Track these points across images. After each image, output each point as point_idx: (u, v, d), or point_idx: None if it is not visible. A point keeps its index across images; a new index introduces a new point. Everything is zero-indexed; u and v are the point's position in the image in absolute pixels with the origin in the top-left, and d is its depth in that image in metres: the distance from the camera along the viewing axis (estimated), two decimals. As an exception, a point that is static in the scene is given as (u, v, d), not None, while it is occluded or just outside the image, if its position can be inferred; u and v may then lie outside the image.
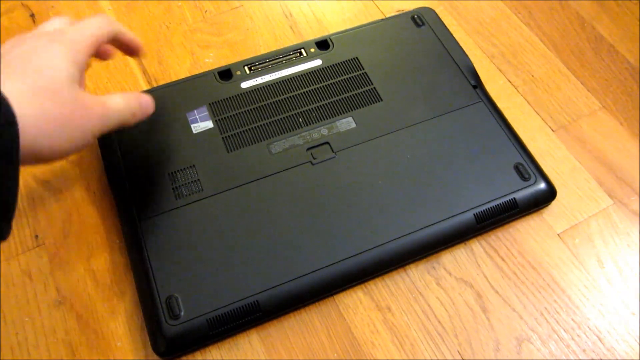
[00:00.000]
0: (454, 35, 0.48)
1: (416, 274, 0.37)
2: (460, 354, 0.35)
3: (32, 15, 0.51)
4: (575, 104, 0.45)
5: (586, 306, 0.36)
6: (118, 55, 0.50)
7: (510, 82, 0.46)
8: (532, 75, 0.46)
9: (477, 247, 0.38)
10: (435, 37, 0.46)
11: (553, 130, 0.43)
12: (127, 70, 0.47)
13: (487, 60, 0.47)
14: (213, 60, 0.48)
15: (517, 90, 0.45)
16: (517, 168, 0.39)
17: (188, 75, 0.46)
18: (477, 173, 0.38)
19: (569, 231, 0.39)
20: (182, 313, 0.33)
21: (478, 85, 0.43)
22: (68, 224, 0.40)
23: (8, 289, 0.37)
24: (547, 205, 0.39)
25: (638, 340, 0.35)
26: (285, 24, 0.50)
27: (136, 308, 0.36)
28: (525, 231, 0.39)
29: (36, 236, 0.39)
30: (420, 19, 0.47)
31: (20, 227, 0.40)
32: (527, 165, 0.39)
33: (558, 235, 0.39)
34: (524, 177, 0.38)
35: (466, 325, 0.35)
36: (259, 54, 0.48)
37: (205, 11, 0.51)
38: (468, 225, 0.37)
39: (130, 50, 0.37)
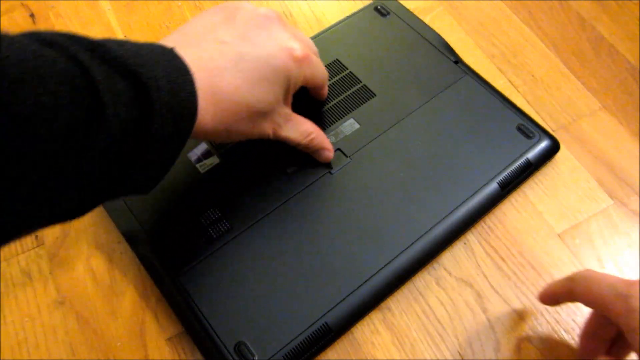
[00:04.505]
0: (454, 36, 0.48)
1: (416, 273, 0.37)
2: (460, 354, 0.35)
3: (32, 15, 0.50)
4: (575, 104, 0.45)
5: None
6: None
7: (510, 82, 0.46)
8: (532, 75, 0.46)
9: (477, 247, 0.38)
10: (403, 23, 0.46)
11: (553, 130, 0.43)
12: (127, 70, 0.47)
13: (487, 60, 0.47)
14: (213, 60, 0.47)
15: (517, 90, 0.45)
16: (520, 129, 0.40)
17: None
18: (486, 143, 0.39)
19: (569, 231, 0.39)
20: (256, 357, 0.32)
21: (458, 60, 0.44)
22: (68, 224, 0.40)
23: (8, 289, 0.37)
24: (553, 158, 0.41)
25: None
26: (285, 24, 0.50)
27: (136, 308, 0.36)
28: (525, 231, 0.39)
29: (36, 236, 0.39)
30: (383, 9, 0.47)
31: (20, 227, 0.40)
32: (528, 125, 0.40)
33: (558, 235, 0.39)
34: (528, 136, 0.40)
35: (466, 325, 0.35)
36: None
37: (205, 11, 0.51)
38: (494, 195, 0.38)
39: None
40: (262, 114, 0.32)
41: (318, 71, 0.35)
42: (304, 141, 0.36)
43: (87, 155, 0.23)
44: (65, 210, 0.25)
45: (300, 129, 0.35)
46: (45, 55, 0.22)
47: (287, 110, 0.34)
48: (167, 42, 0.29)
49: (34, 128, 0.21)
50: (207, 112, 0.28)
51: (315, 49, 0.37)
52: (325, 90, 0.40)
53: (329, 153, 0.38)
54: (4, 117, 0.20)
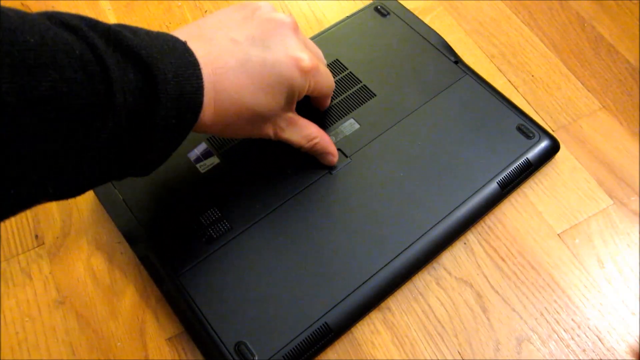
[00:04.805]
0: (454, 36, 0.48)
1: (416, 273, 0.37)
2: (460, 354, 0.35)
3: (32, 15, 0.50)
4: (575, 104, 0.45)
5: (586, 306, 0.36)
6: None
7: (510, 82, 0.46)
8: (532, 75, 0.46)
9: (477, 247, 0.38)
10: (403, 23, 0.46)
11: (553, 130, 0.43)
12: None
13: (487, 60, 0.47)
14: (213, 60, 0.47)
15: (517, 90, 0.45)
16: (520, 129, 0.40)
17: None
18: (486, 143, 0.39)
19: (569, 231, 0.39)
20: (256, 357, 0.32)
21: (458, 60, 0.44)
22: (68, 224, 0.40)
23: (8, 289, 0.37)
24: (553, 158, 0.41)
25: (638, 340, 0.35)
26: (285, 24, 0.50)
27: (136, 308, 0.36)
28: (525, 231, 0.39)
29: (36, 236, 0.39)
30: (384, 9, 0.47)
31: (20, 227, 0.40)
32: (528, 125, 0.40)
33: (558, 235, 0.39)
34: (528, 136, 0.40)
35: (466, 325, 0.35)
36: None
37: (205, 11, 0.51)
38: (494, 195, 0.38)
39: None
40: (262, 117, 0.32)
41: (324, 82, 0.35)
42: (307, 145, 0.36)
43: (92, 139, 0.24)
44: (62, 191, 0.25)
45: (304, 133, 0.35)
46: (64, 40, 0.22)
47: (291, 114, 0.34)
48: (182, 33, 0.29)
49: (46, 113, 0.21)
50: (208, 107, 0.28)
51: (324, 60, 0.36)
52: (328, 101, 0.40)
53: (333, 158, 0.38)
54: (20, 100, 0.20)
